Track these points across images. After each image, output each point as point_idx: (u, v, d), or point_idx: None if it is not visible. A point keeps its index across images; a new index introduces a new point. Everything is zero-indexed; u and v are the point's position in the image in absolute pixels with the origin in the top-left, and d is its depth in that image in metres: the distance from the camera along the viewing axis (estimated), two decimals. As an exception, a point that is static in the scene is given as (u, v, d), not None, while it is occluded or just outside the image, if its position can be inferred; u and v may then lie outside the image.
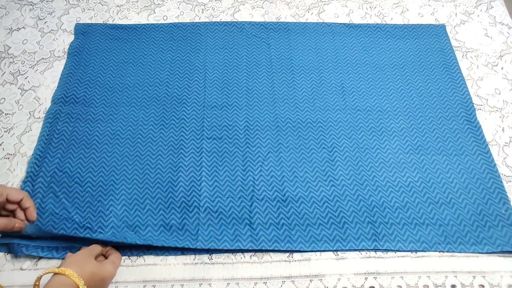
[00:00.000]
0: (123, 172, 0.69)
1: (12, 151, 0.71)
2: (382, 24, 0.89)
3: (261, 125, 0.74)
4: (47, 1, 0.93)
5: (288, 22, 0.89)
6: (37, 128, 0.74)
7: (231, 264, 0.61)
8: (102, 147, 0.71)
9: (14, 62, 0.83)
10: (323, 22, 0.90)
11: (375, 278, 0.60)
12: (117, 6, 0.93)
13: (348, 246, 0.62)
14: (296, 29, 0.88)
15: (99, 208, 0.65)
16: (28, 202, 0.59)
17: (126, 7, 0.93)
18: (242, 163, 0.70)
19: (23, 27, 0.88)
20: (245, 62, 0.83)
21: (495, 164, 0.70)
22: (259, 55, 0.84)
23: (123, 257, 0.61)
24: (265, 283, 0.59)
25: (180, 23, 0.89)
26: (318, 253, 0.62)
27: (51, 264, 0.60)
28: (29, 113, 0.76)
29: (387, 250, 0.62)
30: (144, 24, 0.88)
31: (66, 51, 0.84)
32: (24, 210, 0.59)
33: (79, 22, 0.89)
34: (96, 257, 0.56)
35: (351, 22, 0.90)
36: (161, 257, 0.61)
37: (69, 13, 0.91)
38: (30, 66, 0.82)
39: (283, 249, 0.62)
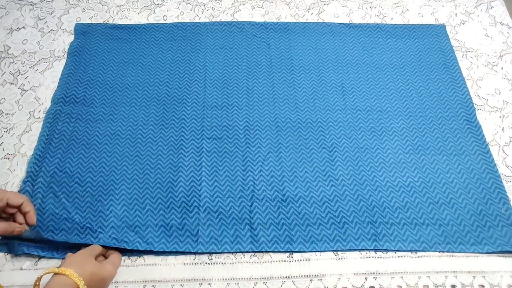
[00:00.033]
0: (123, 172, 0.69)
1: (12, 151, 0.71)
2: (382, 24, 0.89)
3: (261, 125, 0.74)
4: (47, 1, 0.93)
5: (288, 22, 0.89)
6: (37, 128, 0.74)
7: (231, 264, 0.61)
8: (102, 147, 0.71)
9: (14, 62, 0.83)
10: (323, 22, 0.90)
11: (375, 278, 0.60)
12: (117, 6, 0.93)
13: (348, 246, 0.62)
14: (296, 29, 0.88)
15: (99, 208, 0.65)
16: (28, 207, 0.58)
17: (126, 7, 0.93)
18: (242, 163, 0.70)
19: (23, 27, 0.88)
20: (245, 62, 0.83)
21: (495, 164, 0.70)
22: (259, 55, 0.84)
23: (123, 257, 0.61)
24: (265, 283, 0.59)
25: (180, 23, 0.89)
26: (318, 253, 0.62)
27: (51, 264, 0.60)
28: (29, 113, 0.76)
29: (387, 250, 0.62)
30: (144, 24, 0.88)
31: (66, 51, 0.84)
32: (24, 214, 0.59)
33: (79, 22, 0.89)
34: (96, 257, 0.56)
35: (351, 22, 0.90)
36: (161, 257, 0.61)
37: (69, 13, 0.91)
38: (30, 66, 0.82)
39: (283, 250, 0.62)
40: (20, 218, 0.59)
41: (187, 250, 0.61)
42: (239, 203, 0.66)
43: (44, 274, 0.50)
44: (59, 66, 0.82)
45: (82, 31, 0.87)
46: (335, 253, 0.62)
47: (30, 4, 0.92)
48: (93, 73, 0.81)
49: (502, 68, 0.83)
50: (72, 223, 0.63)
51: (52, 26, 0.89)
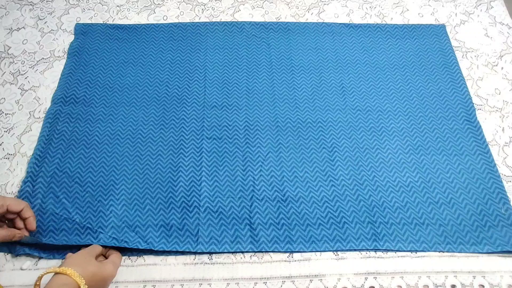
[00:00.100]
0: (123, 172, 0.69)
1: (12, 151, 0.71)
2: (382, 24, 0.89)
3: (261, 125, 0.74)
4: (47, 1, 0.93)
5: (288, 22, 0.89)
6: (37, 128, 0.74)
7: (231, 264, 0.61)
8: (102, 147, 0.71)
9: (14, 62, 0.83)
10: (323, 22, 0.90)
11: (375, 278, 0.60)
12: (117, 6, 0.93)
13: (348, 246, 0.62)
14: (296, 29, 0.88)
15: (99, 208, 0.65)
16: (28, 213, 0.58)
17: (126, 7, 0.93)
18: (242, 163, 0.70)
19: (23, 27, 0.88)
20: (245, 62, 0.83)
21: (495, 164, 0.70)
22: (259, 55, 0.84)
23: (123, 257, 0.61)
24: (265, 283, 0.59)
25: (180, 23, 0.89)
26: (318, 253, 0.62)
27: (51, 264, 0.60)
28: (29, 113, 0.76)
29: (387, 250, 0.62)
30: (144, 24, 0.88)
31: (66, 51, 0.84)
32: (24, 220, 0.59)
33: (79, 22, 0.89)
34: (96, 257, 0.56)
35: (351, 22, 0.90)
36: (161, 257, 0.61)
37: (69, 13, 0.91)
38: (30, 66, 0.82)
39: (283, 250, 0.62)
40: (20, 223, 0.59)
41: (187, 250, 0.61)
42: (239, 203, 0.66)
43: (44, 274, 0.50)
44: (59, 66, 0.82)
45: (82, 31, 0.87)
46: (335, 253, 0.62)
47: (30, 4, 0.92)
48: (93, 73, 0.81)
49: (502, 68, 0.83)
50: (72, 223, 0.63)
51: (52, 26, 0.89)
